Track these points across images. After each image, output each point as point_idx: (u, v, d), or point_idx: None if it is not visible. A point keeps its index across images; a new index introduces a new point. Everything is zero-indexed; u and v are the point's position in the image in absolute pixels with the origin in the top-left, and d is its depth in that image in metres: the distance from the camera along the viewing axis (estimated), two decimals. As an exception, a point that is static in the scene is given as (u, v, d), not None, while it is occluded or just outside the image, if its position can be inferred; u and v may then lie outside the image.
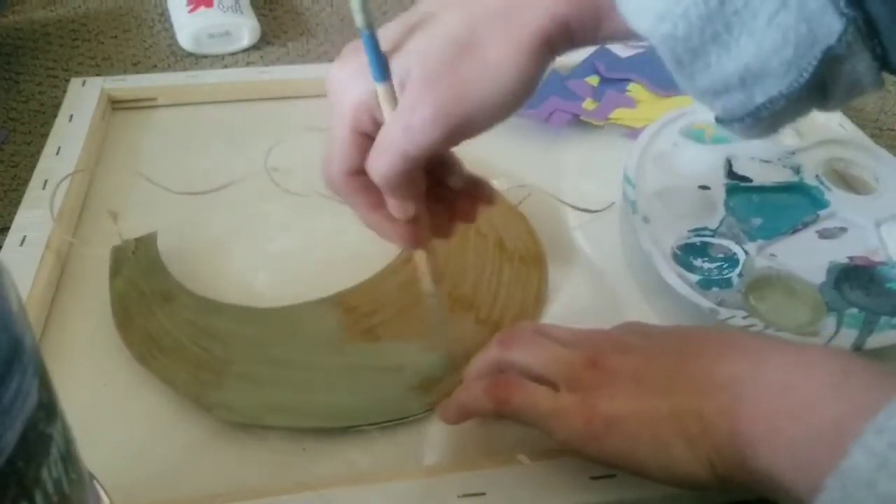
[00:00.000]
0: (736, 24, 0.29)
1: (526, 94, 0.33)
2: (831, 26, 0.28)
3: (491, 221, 0.50)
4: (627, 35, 0.32)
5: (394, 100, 0.33)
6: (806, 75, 0.29)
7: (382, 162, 0.34)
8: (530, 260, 0.48)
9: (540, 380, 0.34)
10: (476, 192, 0.39)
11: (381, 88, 0.33)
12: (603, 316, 0.46)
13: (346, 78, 0.34)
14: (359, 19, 0.31)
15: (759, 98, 0.30)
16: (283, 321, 0.44)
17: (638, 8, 0.30)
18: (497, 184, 0.54)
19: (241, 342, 0.42)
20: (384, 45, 0.33)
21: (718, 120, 0.33)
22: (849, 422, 0.25)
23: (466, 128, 0.33)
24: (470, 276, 0.47)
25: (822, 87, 0.30)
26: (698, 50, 0.30)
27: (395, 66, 0.33)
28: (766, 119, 0.31)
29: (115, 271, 0.46)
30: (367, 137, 0.35)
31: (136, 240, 0.48)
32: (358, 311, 0.44)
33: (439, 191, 0.38)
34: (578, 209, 0.52)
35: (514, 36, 0.32)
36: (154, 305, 0.44)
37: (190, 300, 0.44)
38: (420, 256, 0.39)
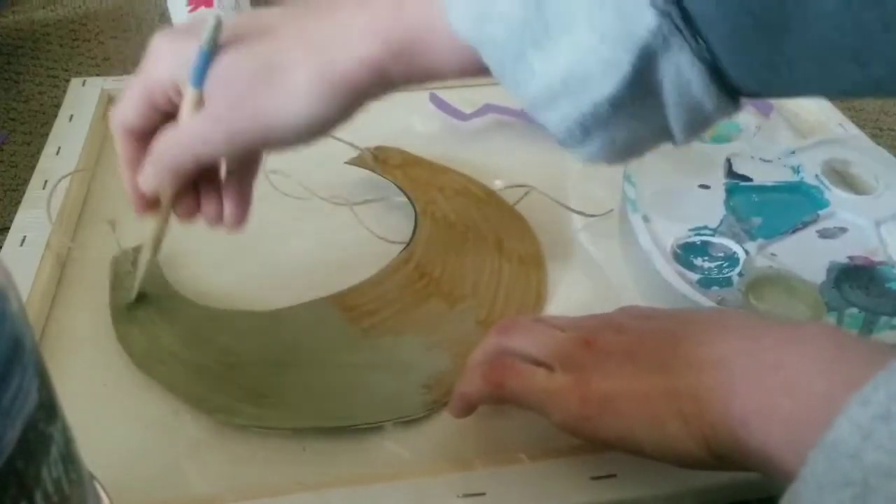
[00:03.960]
0: (556, 25, 0.28)
1: (323, 128, 0.34)
2: (646, 20, 0.27)
3: (490, 223, 0.50)
4: (449, 71, 0.32)
5: (199, 105, 0.35)
6: (627, 76, 0.28)
7: (169, 155, 0.36)
8: (529, 260, 0.48)
9: (537, 363, 0.35)
10: (234, 195, 0.40)
11: (192, 92, 0.34)
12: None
13: (172, 51, 0.35)
14: (205, 38, 0.33)
15: (586, 105, 0.29)
16: (283, 322, 0.44)
17: (459, 17, 0.30)
18: (497, 183, 0.54)
19: (242, 347, 0.42)
20: (228, 30, 0.34)
21: (557, 141, 0.32)
22: (839, 397, 0.25)
23: (259, 146, 0.36)
24: (469, 278, 0.47)
25: (655, 99, 0.29)
26: (520, 56, 0.29)
27: (216, 64, 0.34)
28: (595, 131, 0.30)
29: (116, 284, 0.46)
30: (154, 109, 0.36)
31: (135, 249, 0.47)
32: (358, 310, 0.44)
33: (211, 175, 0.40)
34: (575, 212, 0.52)
35: (320, 74, 0.32)
36: (154, 315, 0.44)
37: (189, 308, 0.44)
38: (152, 225, 0.40)
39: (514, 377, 0.35)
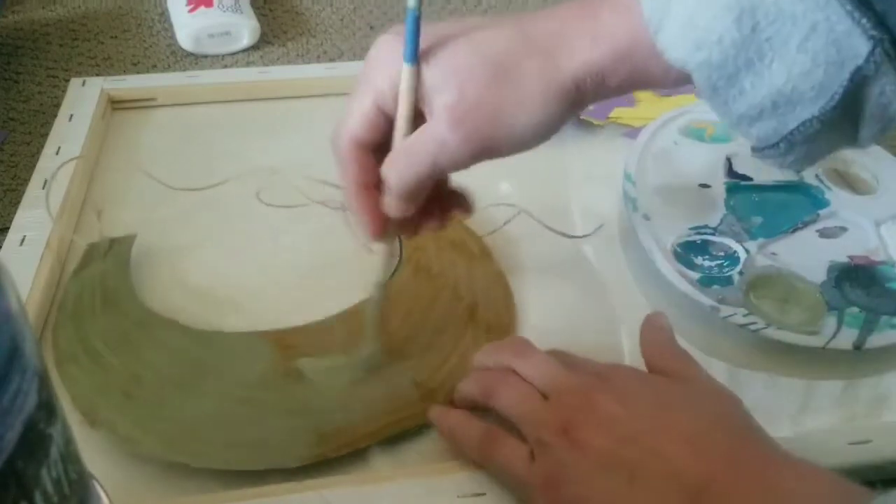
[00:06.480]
0: (768, 50, 0.29)
1: (549, 133, 0.34)
2: (858, 48, 0.28)
3: (472, 285, 0.46)
4: (660, 81, 0.33)
5: (413, 86, 0.33)
6: (836, 97, 0.29)
7: (407, 166, 0.34)
8: (499, 330, 0.44)
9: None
10: (454, 200, 0.39)
11: (406, 69, 0.33)
12: (603, 314, 0.46)
13: (391, 51, 0.34)
14: (412, 2, 0.32)
15: (792, 123, 0.31)
16: (210, 346, 0.42)
17: (673, 40, 0.31)
18: (499, 187, 0.54)
19: (158, 361, 0.41)
20: (429, 38, 0.33)
21: (753, 149, 0.33)
22: None
23: (492, 153, 0.34)
24: (424, 338, 0.43)
25: (853, 115, 0.30)
26: (733, 76, 0.30)
27: (434, 64, 0.33)
28: (799, 145, 0.31)
29: (80, 268, 0.46)
30: (384, 116, 0.35)
31: (112, 240, 0.47)
32: (294, 350, 0.42)
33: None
34: (560, 233, 0.52)
35: (549, 76, 0.33)
36: (98, 309, 0.43)
37: (134, 309, 0.43)
38: (379, 248, 0.38)
39: (497, 452, 0.35)
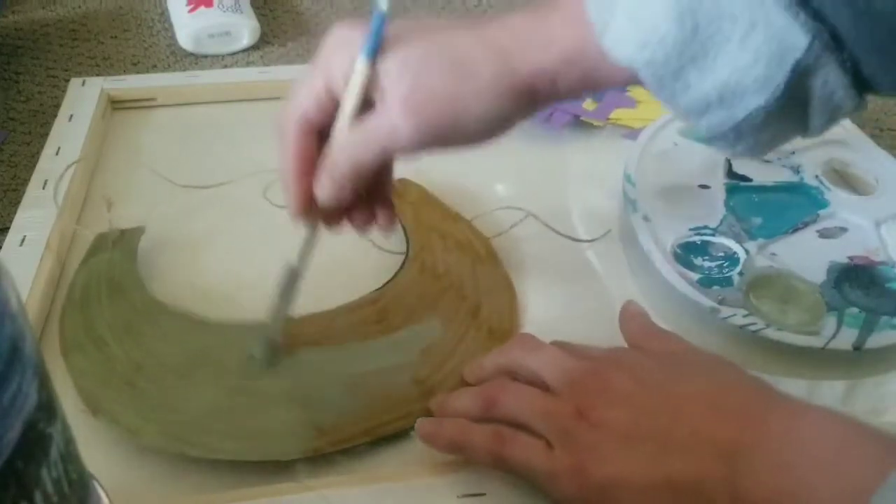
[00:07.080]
0: (711, 46, 0.31)
1: (499, 129, 0.36)
2: (797, 41, 0.30)
3: (477, 286, 0.46)
4: (611, 81, 0.34)
5: (366, 79, 0.34)
6: (780, 88, 0.30)
7: (357, 149, 0.35)
8: (500, 334, 0.44)
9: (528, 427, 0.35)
10: (380, 208, 0.40)
11: (362, 61, 0.34)
12: (602, 315, 0.46)
13: (347, 40, 0.35)
14: (383, 2, 0.33)
15: (741, 113, 0.32)
16: (211, 333, 0.42)
17: (619, 39, 0.32)
18: (500, 188, 0.54)
19: (159, 349, 0.41)
20: (386, 32, 0.34)
21: (706, 138, 0.34)
22: None
23: (442, 142, 0.35)
24: (427, 335, 0.43)
25: (800, 104, 0.32)
26: (678, 72, 0.32)
27: (391, 56, 0.34)
28: (748, 134, 0.33)
29: (88, 256, 0.46)
30: (332, 101, 0.36)
31: (122, 231, 0.48)
32: (296, 340, 0.42)
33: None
34: (567, 237, 0.52)
35: (504, 79, 0.34)
36: (104, 297, 0.43)
37: (140, 299, 0.43)
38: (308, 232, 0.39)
39: (512, 450, 0.34)
